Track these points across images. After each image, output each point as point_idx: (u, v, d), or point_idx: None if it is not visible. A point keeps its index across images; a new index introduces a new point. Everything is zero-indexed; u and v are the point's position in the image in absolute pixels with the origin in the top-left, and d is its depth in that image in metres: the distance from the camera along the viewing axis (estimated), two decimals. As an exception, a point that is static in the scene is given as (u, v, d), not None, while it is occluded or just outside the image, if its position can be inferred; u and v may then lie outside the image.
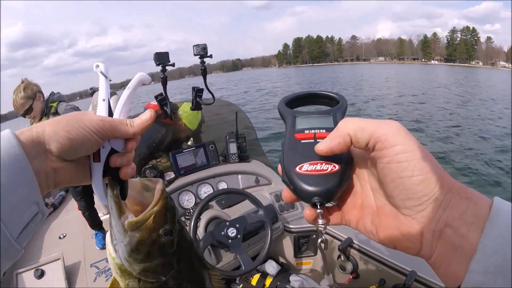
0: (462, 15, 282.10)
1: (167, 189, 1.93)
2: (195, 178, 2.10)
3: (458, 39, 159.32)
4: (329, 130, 0.41)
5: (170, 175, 2.10)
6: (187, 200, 2.04)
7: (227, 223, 1.65)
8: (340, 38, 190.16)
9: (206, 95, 2.09)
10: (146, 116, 0.50)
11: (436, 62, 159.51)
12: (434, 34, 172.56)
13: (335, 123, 0.42)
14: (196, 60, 1.95)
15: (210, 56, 1.91)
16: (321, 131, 0.42)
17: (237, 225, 1.65)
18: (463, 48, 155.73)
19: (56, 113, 2.51)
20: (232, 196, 2.00)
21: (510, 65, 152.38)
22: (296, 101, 0.50)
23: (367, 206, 0.41)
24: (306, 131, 0.42)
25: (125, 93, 0.51)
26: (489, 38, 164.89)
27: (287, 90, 24.83)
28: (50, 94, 2.64)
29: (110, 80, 0.50)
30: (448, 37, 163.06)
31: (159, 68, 1.83)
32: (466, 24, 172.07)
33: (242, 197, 1.97)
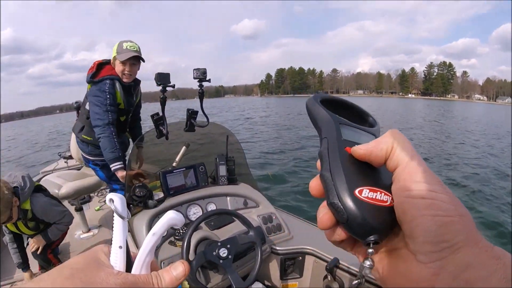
0: (440, 51, 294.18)
1: (157, 209, 1.95)
2: (184, 199, 2.11)
3: (435, 73, 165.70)
4: None
5: (159, 194, 2.11)
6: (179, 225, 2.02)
7: (219, 243, 1.66)
8: (321, 71, 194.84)
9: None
10: (179, 272, 0.41)
11: (413, 95, 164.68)
12: (412, 69, 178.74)
13: None
14: (180, 85, 2.02)
15: (209, 81, 1.98)
16: None
17: (228, 246, 1.66)
18: (439, 82, 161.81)
19: (32, 218, 2.39)
20: (221, 217, 2.02)
21: (485, 97, 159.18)
22: (329, 104, 0.41)
23: (383, 244, 0.35)
24: (360, 145, 0.35)
25: (150, 240, 0.42)
26: (465, 73, 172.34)
27: (266, 118, 25.18)
28: (14, 188, 2.26)
29: (128, 219, 0.41)
30: (426, 71, 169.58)
31: (159, 86, 1.88)
32: (443, 59, 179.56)
33: (231, 219, 2.00)
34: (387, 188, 0.33)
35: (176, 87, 2.03)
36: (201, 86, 2.03)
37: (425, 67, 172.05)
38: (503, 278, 0.26)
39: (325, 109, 0.39)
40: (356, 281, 0.36)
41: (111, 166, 2.52)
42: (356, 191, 0.32)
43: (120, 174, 2.54)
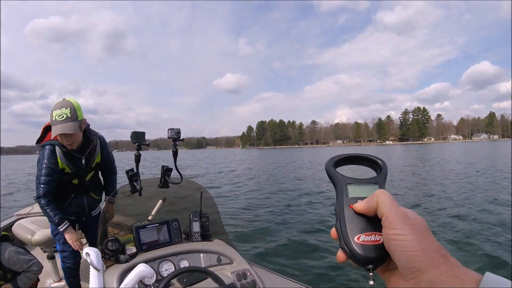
0: (413, 98, 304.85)
1: (129, 264, 1.93)
2: (157, 255, 2.09)
3: (411, 119, 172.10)
4: None
5: (132, 249, 2.09)
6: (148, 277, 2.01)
7: (190, 302, 1.64)
8: (301, 123, 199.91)
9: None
10: None
11: (391, 142, 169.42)
12: (388, 116, 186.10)
13: None
14: (161, 135, 2.10)
15: (183, 140, 2.06)
16: None
17: (199, 304, 1.64)
18: (415, 127, 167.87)
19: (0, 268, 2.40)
20: (194, 275, 1.99)
21: (460, 137, 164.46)
22: (342, 161, 0.56)
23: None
24: (359, 201, 0.48)
25: None
26: (439, 115, 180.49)
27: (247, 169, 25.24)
28: None
29: (103, 271, 0.42)
30: (401, 118, 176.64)
31: (134, 144, 1.93)
32: (417, 105, 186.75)
33: (204, 276, 1.97)
34: (379, 230, 0.45)
35: (158, 137, 2.10)
36: (175, 145, 2.10)
37: (401, 114, 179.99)
38: None
39: (337, 172, 0.53)
40: None
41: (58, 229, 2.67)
42: (355, 238, 0.46)
43: (66, 235, 2.66)
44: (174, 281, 1.97)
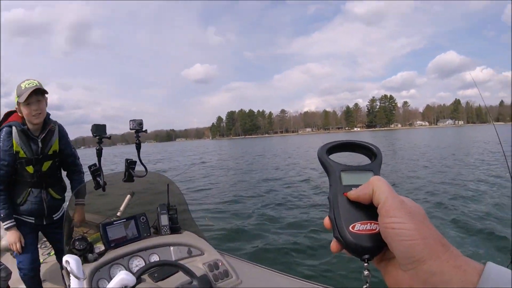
0: (381, 86, 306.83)
1: (97, 263, 1.87)
2: (126, 251, 2.05)
3: (378, 106, 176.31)
4: None
5: (100, 247, 2.04)
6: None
7: (161, 296, 1.62)
8: (270, 112, 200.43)
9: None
10: None
11: (359, 129, 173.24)
12: (356, 104, 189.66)
13: None
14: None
15: (145, 131, 2.00)
16: None
17: (171, 298, 1.62)
18: (382, 114, 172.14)
19: None
20: (165, 269, 1.97)
21: (426, 123, 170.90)
22: (335, 149, 0.53)
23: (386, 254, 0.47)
24: (353, 189, 0.46)
25: None
26: (405, 103, 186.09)
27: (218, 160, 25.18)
28: None
29: (84, 279, 0.40)
30: (368, 105, 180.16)
31: (95, 137, 1.87)
32: (385, 93, 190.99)
33: (175, 269, 1.95)
34: (375, 218, 0.43)
35: (126, 131, 2.04)
36: (137, 137, 2.04)
37: (368, 102, 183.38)
38: (461, 281, 0.36)
39: (330, 159, 0.51)
40: (364, 287, 0.45)
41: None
42: (350, 227, 0.44)
43: (8, 234, 2.52)
44: (146, 276, 1.93)
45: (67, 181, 2.87)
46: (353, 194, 0.46)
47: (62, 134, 2.72)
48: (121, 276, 0.38)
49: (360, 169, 0.50)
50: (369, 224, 0.44)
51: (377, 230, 0.43)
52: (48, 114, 2.58)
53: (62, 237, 2.14)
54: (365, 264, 0.44)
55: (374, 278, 0.43)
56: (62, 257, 2.72)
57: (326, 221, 0.47)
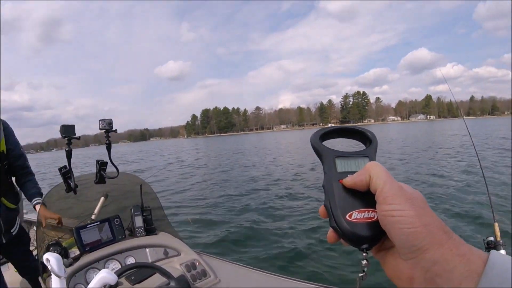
0: (354, 82, 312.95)
1: (73, 267, 1.82)
2: (101, 255, 2.01)
3: (351, 102, 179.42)
4: None
5: (75, 252, 1.99)
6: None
7: (138, 299, 1.59)
8: (245, 109, 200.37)
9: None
10: None
11: (333, 124, 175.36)
12: (329, 100, 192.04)
13: None
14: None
15: (115, 131, 1.95)
16: None
17: (148, 300, 1.60)
18: (355, 109, 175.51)
19: None
20: (142, 271, 1.94)
21: (399, 118, 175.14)
22: (329, 134, 0.52)
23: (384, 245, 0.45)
24: (349, 175, 0.44)
25: None
26: (378, 99, 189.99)
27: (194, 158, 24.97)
28: None
29: (65, 277, 0.40)
30: (342, 102, 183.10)
31: (64, 138, 1.81)
32: (358, 89, 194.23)
33: (152, 271, 1.92)
34: (373, 206, 0.42)
35: (98, 131, 1.98)
36: (108, 137, 1.99)
37: (341, 98, 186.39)
38: (465, 270, 0.34)
39: (323, 145, 0.49)
40: (360, 275, 0.44)
41: None
42: (347, 216, 0.42)
43: None
44: (123, 279, 1.90)
45: None
46: (349, 181, 0.44)
47: (8, 131, 2.36)
48: (102, 274, 0.37)
49: (355, 155, 0.48)
50: (366, 212, 0.43)
51: (375, 218, 0.42)
52: None
53: (25, 255, 2.06)
54: (364, 254, 0.43)
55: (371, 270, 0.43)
56: (28, 275, 2.59)
57: (322, 210, 0.46)
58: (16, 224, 2.46)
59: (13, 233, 2.43)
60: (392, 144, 25.27)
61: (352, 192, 0.44)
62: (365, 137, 0.52)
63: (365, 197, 0.43)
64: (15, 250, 2.48)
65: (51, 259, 0.37)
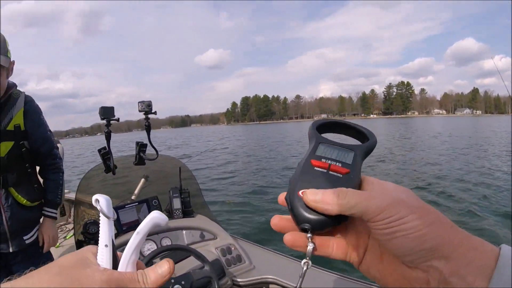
0: (397, 72, 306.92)
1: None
2: None
3: (394, 93, 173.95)
4: (345, 165, 0.42)
5: (113, 231, 2.02)
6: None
7: (172, 280, 1.58)
8: (285, 97, 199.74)
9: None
10: (164, 269, 0.43)
11: (375, 116, 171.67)
12: (372, 90, 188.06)
13: (355, 161, 0.43)
14: None
15: (155, 113, 1.95)
16: (337, 164, 0.42)
17: (183, 282, 1.58)
18: (399, 101, 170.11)
19: None
20: (176, 253, 1.94)
21: (444, 111, 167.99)
22: (327, 127, 0.50)
23: (372, 249, 0.41)
24: (323, 160, 0.43)
25: (135, 238, 0.43)
26: (423, 90, 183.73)
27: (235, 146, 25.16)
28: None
29: (114, 219, 0.42)
30: (385, 92, 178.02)
31: (103, 120, 1.83)
32: (401, 79, 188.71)
33: (187, 254, 1.92)
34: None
35: (142, 117, 1.99)
36: (147, 118, 2.00)
37: (384, 88, 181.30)
38: (480, 265, 0.32)
39: (315, 131, 0.48)
40: (304, 261, 0.40)
41: None
42: (300, 192, 0.40)
43: None
44: (157, 260, 1.91)
45: None
46: (310, 196, 0.39)
47: (32, 107, 1.98)
48: (154, 214, 0.37)
49: (340, 145, 0.45)
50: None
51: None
52: (13, 86, 2.01)
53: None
54: (308, 235, 0.39)
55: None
56: None
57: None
58: (33, 232, 2.02)
59: (27, 241, 1.97)
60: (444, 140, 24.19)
61: (317, 175, 0.42)
62: (362, 135, 0.49)
63: (330, 181, 0.41)
64: (20, 267, 1.92)
65: (101, 199, 0.36)
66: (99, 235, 0.42)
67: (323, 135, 0.48)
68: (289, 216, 0.41)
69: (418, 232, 0.33)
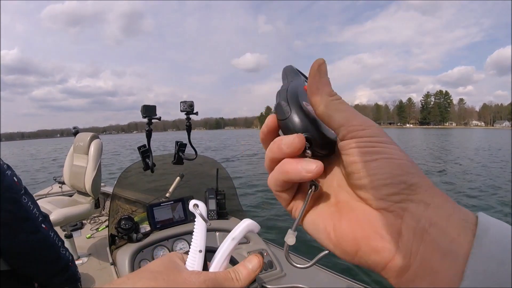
0: (436, 80, 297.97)
1: (141, 243, 1.88)
2: (171, 233, 2.04)
3: (432, 102, 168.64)
4: None
5: (146, 227, 2.04)
6: (162, 256, 1.96)
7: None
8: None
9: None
10: (254, 264, 0.42)
11: (411, 125, 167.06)
12: (409, 99, 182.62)
13: None
14: (181, 115, 1.99)
15: (196, 113, 1.96)
16: None
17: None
18: (436, 111, 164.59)
19: None
20: (208, 254, 1.94)
21: (482, 123, 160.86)
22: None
23: (324, 199, 0.34)
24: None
25: (230, 244, 0.43)
26: (461, 100, 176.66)
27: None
28: None
29: (209, 225, 0.42)
30: (423, 101, 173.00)
31: (144, 118, 1.86)
32: (440, 88, 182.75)
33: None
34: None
35: (177, 117, 2.02)
36: (188, 119, 2.02)
37: (422, 97, 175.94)
38: (462, 219, 0.26)
39: (297, 71, 0.42)
40: (310, 191, 0.33)
41: None
42: (304, 103, 0.33)
43: None
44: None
45: None
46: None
47: None
48: (247, 222, 0.36)
49: None
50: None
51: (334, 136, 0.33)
52: None
53: None
54: (307, 151, 0.31)
55: None
56: None
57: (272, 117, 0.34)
58: None
59: None
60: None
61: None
62: None
63: None
64: None
65: (200, 204, 0.37)
66: (193, 239, 0.42)
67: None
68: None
69: (402, 160, 0.27)
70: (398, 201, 0.27)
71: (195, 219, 0.41)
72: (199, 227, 0.42)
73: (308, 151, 0.31)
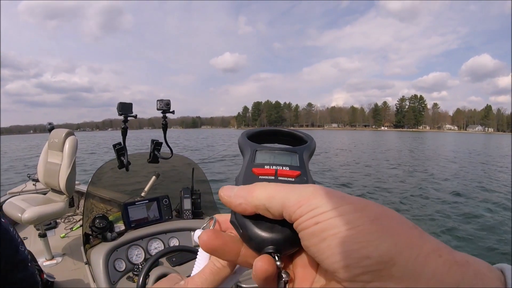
0: (412, 85, 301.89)
1: (116, 242, 1.86)
2: (146, 233, 2.02)
3: (407, 106, 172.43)
4: (294, 168, 0.34)
5: (120, 227, 2.02)
6: (136, 255, 1.94)
7: (178, 281, 1.57)
8: (297, 105, 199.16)
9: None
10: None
11: (386, 128, 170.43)
12: (385, 102, 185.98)
13: (301, 162, 0.36)
14: (157, 113, 1.98)
15: (173, 112, 1.96)
16: (284, 168, 0.34)
17: (188, 284, 1.57)
18: (411, 114, 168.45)
19: None
20: (183, 254, 1.93)
21: (455, 127, 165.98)
22: (258, 137, 0.42)
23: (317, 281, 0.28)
24: (267, 167, 0.34)
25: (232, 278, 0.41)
26: (435, 105, 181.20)
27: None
28: None
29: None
30: (398, 105, 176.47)
31: (120, 116, 1.84)
32: (415, 93, 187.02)
33: (194, 256, 1.91)
34: None
35: (153, 116, 2.00)
36: (164, 117, 2.01)
37: (397, 101, 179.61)
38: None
39: (248, 140, 0.40)
40: None
41: None
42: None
43: None
44: (163, 260, 1.90)
45: None
46: (224, 193, 0.30)
47: None
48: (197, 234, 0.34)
49: (280, 150, 0.38)
50: None
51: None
52: None
53: None
54: (277, 263, 0.28)
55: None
56: None
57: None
58: None
59: None
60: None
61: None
62: (300, 140, 0.42)
63: None
64: None
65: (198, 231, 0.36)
66: (195, 265, 0.38)
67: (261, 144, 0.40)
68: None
69: (359, 227, 0.22)
70: (369, 281, 0.21)
71: (199, 248, 0.40)
72: (202, 258, 0.40)
73: (278, 262, 0.29)
